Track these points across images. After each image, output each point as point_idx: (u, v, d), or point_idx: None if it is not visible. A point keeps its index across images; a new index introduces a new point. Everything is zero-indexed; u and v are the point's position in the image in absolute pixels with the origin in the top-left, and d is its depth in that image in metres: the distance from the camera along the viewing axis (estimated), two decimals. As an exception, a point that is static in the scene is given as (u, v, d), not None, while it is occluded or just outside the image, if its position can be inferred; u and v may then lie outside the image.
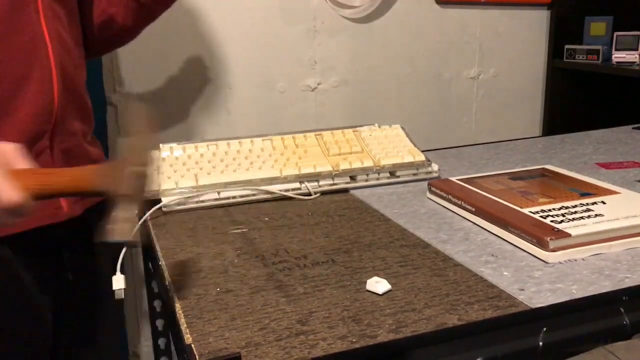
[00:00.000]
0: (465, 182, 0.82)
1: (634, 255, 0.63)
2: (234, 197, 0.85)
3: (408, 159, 0.93)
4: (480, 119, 1.89)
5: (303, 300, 0.56)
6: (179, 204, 0.83)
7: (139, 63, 1.42)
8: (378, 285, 0.57)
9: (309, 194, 0.87)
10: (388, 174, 0.91)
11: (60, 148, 0.82)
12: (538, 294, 0.55)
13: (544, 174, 0.86)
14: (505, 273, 0.60)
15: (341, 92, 1.70)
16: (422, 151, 0.96)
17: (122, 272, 0.70)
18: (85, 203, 0.87)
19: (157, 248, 0.71)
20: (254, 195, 0.85)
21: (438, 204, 0.81)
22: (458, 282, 0.59)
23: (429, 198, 0.84)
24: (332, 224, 0.76)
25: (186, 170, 0.87)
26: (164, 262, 0.66)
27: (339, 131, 0.99)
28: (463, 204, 0.76)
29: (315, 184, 0.88)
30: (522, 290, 0.56)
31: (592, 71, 1.79)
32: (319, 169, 0.88)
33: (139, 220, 0.81)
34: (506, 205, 0.73)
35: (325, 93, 1.69)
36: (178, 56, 1.51)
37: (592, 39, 1.84)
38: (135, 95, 1.41)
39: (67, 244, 0.89)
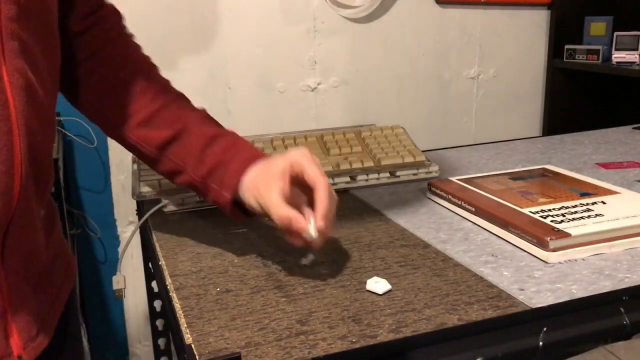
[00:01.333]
0: (465, 182, 0.82)
1: (634, 255, 0.63)
2: (234, 197, 0.85)
3: (408, 159, 0.93)
4: (480, 119, 1.89)
5: (303, 300, 0.56)
6: (179, 204, 0.83)
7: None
8: (378, 285, 0.57)
9: (309, 194, 0.87)
10: (388, 174, 0.91)
11: (15, 259, 0.53)
12: (538, 294, 0.55)
13: (544, 174, 0.86)
14: (505, 273, 0.60)
15: (341, 92, 1.70)
16: (422, 151, 0.96)
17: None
18: (40, 344, 0.57)
19: (157, 248, 0.71)
20: (254, 195, 0.85)
21: (438, 204, 0.81)
22: (458, 282, 0.59)
23: (429, 198, 0.84)
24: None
25: (186, 170, 0.87)
26: (164, 262, 0.66)
27: (339, 131, 0.99)
28: (463, 204, 0.76)
29: (315, 184, 0.88)
30: (522, 290, 0.56)
31: (592, 71, 1.79)
32: (319, 169, 0.88)
33: (139, 220, 0.81)
34: (506, 205, 0.73)
35: (325, 93, 1.69)
36: (178, 56, 1.51)
37: (592, 39, 1.84)
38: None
39: None
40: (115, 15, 0.72)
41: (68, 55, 0.65)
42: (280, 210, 0.57)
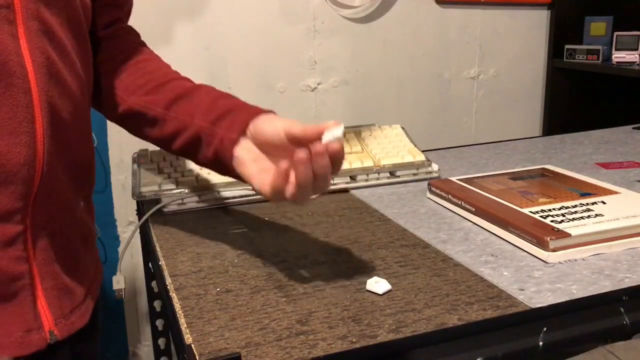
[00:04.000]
0: (465, 182, 0.82)
1: (634, 255, 0.63)
2: (234, 197, 0.85)
3: (408, 159, 0.93)
4: (480, 119, 1.89)
5: (303, 300, 0.56)
6: (179, 204, 0.83)
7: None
8: (378, 285, 0.57)
9: (309, 194, 0.87)
10: (388, 174, 0.91)
11: (44, 233, 0.56)
12: (538, 294, 0.55)
13: (544, 174, 0.86)
14: (505, 273, 0.60)
15: (341, 92, 1.70)
16: (422, 151, 0.96)
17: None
18: (74, 324, 0.60)
19: (157, 248, 0.71)
20: (254, 195, 0.85)
21: (438, 204, 0.81)
22: (458, 282, 0.59)
23: (429, 198, 0.84)
24: (332, 224, 0.76)
25: (187, 169, 0.87)
26: (164, 262, 0.66)
27: (339, 131, 0.99)
28: (463, 204, 0.76)
29: (315, 184, 0.88)
30: (522, 290, 0.56)
31: (592, 71, 1.79)
32: (319, 169, 0.88)
33: (139, 220, 0.81)
34: (506, 205, 0.73)
35: (325, 93, 1.69)
36: (178, 56, 1.51)
37: (592, 39, 1.84)
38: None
39: None
40: (134, 33, 0.76)
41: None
42: (294, 125, 0.54)
